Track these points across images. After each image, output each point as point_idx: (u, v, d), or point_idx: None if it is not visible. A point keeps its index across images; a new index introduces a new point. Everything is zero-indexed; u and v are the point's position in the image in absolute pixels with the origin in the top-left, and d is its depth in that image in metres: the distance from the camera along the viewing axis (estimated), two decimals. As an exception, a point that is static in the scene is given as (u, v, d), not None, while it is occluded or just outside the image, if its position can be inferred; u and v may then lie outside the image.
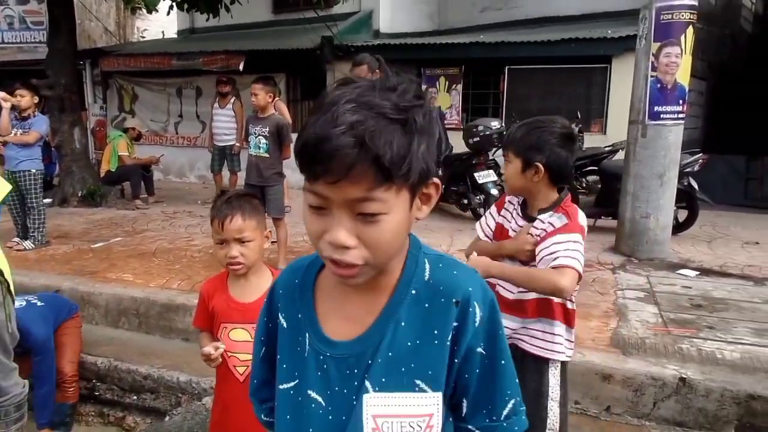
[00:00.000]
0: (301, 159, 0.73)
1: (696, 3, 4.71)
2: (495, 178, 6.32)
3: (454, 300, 0.82)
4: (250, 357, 1.77)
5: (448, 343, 0.82)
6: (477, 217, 5.53)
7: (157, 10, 7.47)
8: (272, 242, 5.15)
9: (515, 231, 1.87)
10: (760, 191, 9.31)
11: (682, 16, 4.64)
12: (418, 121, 0.73)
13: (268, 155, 4.35)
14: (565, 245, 1.67)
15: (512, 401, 0.87)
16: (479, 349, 0.83)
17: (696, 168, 5.54)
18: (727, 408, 2.73)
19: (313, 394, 0.86)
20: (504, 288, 1.86)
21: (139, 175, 7.87)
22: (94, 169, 8.39)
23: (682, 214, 5.71)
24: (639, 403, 2.87)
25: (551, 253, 1.68)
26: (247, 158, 4.52)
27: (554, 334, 1.80)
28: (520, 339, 1.84)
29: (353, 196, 0.71)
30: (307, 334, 0.88)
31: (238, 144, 7.68)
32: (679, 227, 5.63)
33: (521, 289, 1.81)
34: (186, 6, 8.08)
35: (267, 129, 4.33)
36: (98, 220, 6.80)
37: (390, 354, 0.82)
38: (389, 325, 0.83)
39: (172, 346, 3.77)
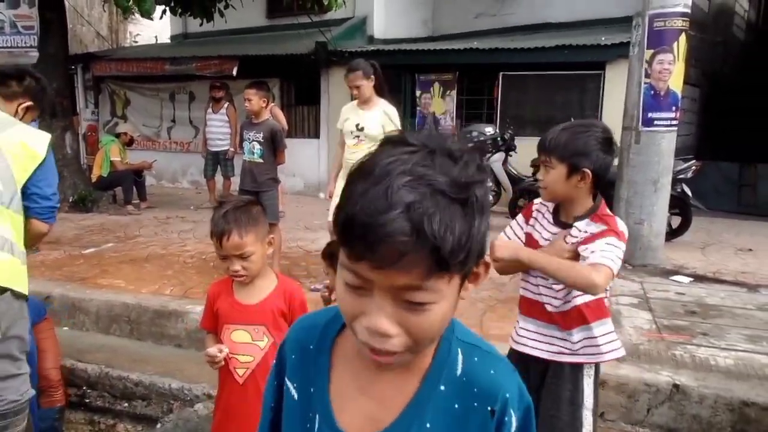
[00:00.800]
0: (344, 235, 0.64)
1: (689, 11, 4.75)
2: (489, 184, 6.32)
3: (489, 408, 0.73)
4: (250, 359, 1.81)
5: None
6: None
7: (151, 19, 7.45)
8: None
9: (547, 239, 1.82)
10: (753, 198, 9.37)
11: (675, 23, 4.67)
12: (480, 199, 0.64)
13: (262, 161, 4.34)
14: (602, 246, 1.65)
15: None
16: None
17: (689, 174, 5.58)
18: (721, 415, 2.73)
19: None
20: (549, 302, 1.82)
21: (131, 181, 7.82)
22: (85, 174, 8.34)
23: (676, 221, 5.74)
24: (633, 409, 2.86)
25: (591, 252, 1.65)
26: (242, 164, 4.50)
27: (595, 337, 1.78)
28: (560, 352, 1.80)
29: (401, 284, 0.63)
30: (317, 416, 0.77)
31: (232, 149, 7.65)
32: (672, 234, 5.66)
33: (564, 301, 1.78)
34: (179, 10, 8.08)
35: (261, 134, 4.32)
36: (89, 226, 6.75)
37: None
38: (412, 426, 0.73)
39: (164, 353, 3.73)
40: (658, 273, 4.76)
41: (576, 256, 1.73)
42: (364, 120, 3.94)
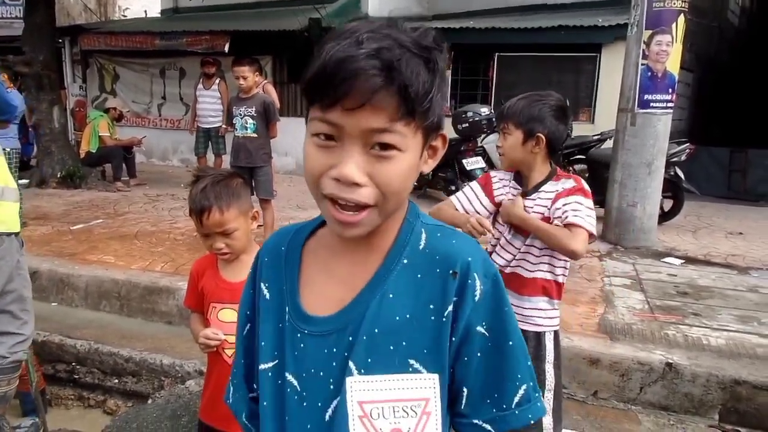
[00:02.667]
0: (316, 82, 0.66)
1: (688, -9, 4.70)
2: (483, 164, 6.29)
3: (451, 271, 0.73)
4: None
5: (444, 319, 0.72)
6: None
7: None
8: (258, 225, 5.08)
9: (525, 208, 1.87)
10: (743, 184, 9.43)
11: (674, 4, 4.63)
12: (440, 64, 0.68)
13: (256, 135, 4.27)
14: (573, 205, 1.74)
15: (524, 386, 0.76)
16: (480, 329, 0.73)
17: (683, 158, 5.57)
18: (713, 393, 2.76)
19: (290, 377, 0.76)
20: (500, 257, 1.89)
21: (120, 157, 7.69)
22: (73, 149, 8.18)
23: (668, 204, 5.75)
24: (626, 387, 2.88)
25: (562, 213, 1.74)
26: (233, 140, 4.43)
27: (552, 309, 1.87)
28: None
29: (373, 126, 0.65)
30: (287, 308, 0.78)
31: (224, 126, 7.54)
32: (664, 216, 5.67)
33: (516, 262, 1.85)
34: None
35: (253, 108, 4.24)
36: (78, 202, 6.64)
37: (376, 330, 0.72)
38: (374, 298, 0.73)
39: (155, 329, 3.70)
40: (650, 255, 4.78)
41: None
42: None
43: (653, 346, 3.01)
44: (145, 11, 14.44)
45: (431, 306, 0.73)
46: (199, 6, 9.47)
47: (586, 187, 1.81)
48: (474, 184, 1.97)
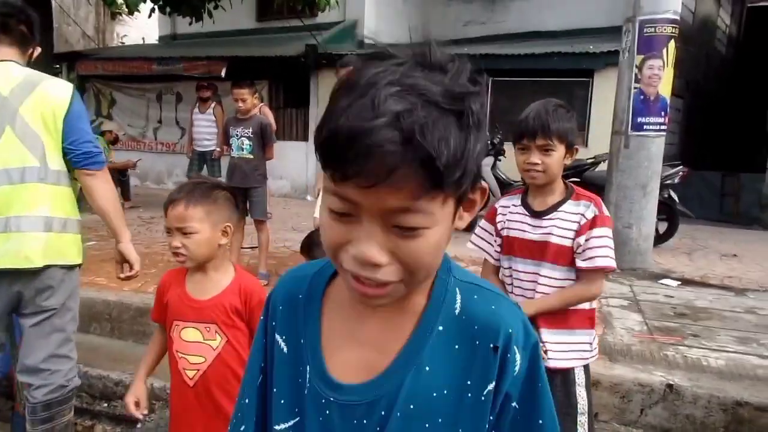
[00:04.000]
0: (326, 153, 0.57)
1: (678, 18, 4.81)
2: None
3: (492, 345, 0.67)
4: (201, 360, 1.62)
5: (483, 398, 0.67)
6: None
7: (139, 11, 7.35)
8: (253, 247, 5.05)
9: (526, 231, 1.79)
10: (735, 207, 9.51)
11: (665, 29, 4.72)
12: (475, 112, 0.58)
13: (252, 156, 4.26)
14: (600, 241, 1.69)
15: None
16: (513, 404, 0.68)
17: (677, 180, 5.62)
18: (715, 415, 2.71)
19: None
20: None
21: (115, 180, 7.67)
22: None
23: (663, 226, 5.77)
24: (626, 409, 2.83)
25: (589, 248, 1.70)
26: (229, 161, 4.42)
27: (583, 343, 1.80)
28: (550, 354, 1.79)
29: (392, 206, 0.56)
30: (308, 368, 0.71)
31: (218, 149, 7.57)
32: (659, 239, 5.69)
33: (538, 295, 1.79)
34: (168, 9, 7.98)
35: (250, 130, 4.25)
36: (71, 225, 6.59)
37: (411, 406, 0.66)
38: (410, 371, 0.67)
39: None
40: (646, 276, 4.77)
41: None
42: None
43: (653, 368, 2.97)
44: (143, 38, 14.60)
45: (469, 382, 0.67)
46: (196, 33, 9.61)
47: (606, 212, 1.74)
48: (483, 222, 1.92)
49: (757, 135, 14.72)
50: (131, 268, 2.27)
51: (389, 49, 0.61)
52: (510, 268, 1.84)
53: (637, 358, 3.07)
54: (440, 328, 0.68)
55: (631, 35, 4.84)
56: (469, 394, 0.67)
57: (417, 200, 0.57)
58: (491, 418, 0.68)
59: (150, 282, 4.29)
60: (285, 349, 0.74)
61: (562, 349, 1.75)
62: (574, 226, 1.71)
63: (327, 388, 0.69)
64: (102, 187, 2.11)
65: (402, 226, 0.58)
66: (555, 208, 1.75)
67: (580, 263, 1.71)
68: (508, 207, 1.85)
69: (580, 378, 1.78)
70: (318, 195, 4.12)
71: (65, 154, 2.02)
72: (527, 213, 1.80)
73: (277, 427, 0.73)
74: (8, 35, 2.02)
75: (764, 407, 2.65)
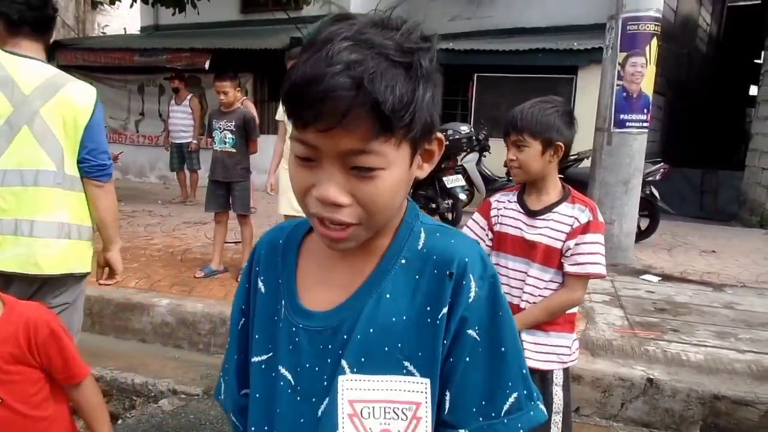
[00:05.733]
0: (289, 102, 0.64)
1: (660, 15, 4.85)
2: (463, 182, 6.33)
3: (447, 272, 0.71)
4: None
5: (438, 321, 0.70)
6: (444, 222, 5.50)
7: (120, 0, 7.21)
8: (236, 242, 5.00)
9: (519, 228, 1.78)
10: (714, 204, 9.68)
11: (648, 27, 4.76)
12: (424, 65, 0.64)
13: (234, 150, 4.21)
14: (591, 247, 1.69)
15: (515, 394, 0.72)
16: (471, 332, 0.70)
17: (658, 177, 5.69)
18: (693, 408, 2.76)
19: (283, 371, 0.75)
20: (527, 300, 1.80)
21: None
22: (47, 165, 8.00)
23: (644, 223, 5.85)
24: (607, 404, 2.86)
25: (579, 254, 1.69)
26: (212, 154, 4.37)
27: (562, 346, 1.79)
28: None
29: (347, 147, 0.62)
30: (282, 302, 0.78)
31: (194, 141, 7.50)
32: (640, 235, 5.76)
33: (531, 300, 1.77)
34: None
35: (233, 123, 4.19)
36: (50, 218, 6.46)
37: (371, 330, 0.71)
38: (371, 297, 0.72)
39: (127, 347, 3.58)
40: (628, 272, 4.83)
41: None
42: None
43: (634, 362, 3.01)
44: (125, 29, 14.34)
45: (428, 308, 0.71)
46: (180, 24, 9.45)
47: (600, 218, 1.72)
48: (476, 215, 1.90)
49: (736, 133, 15.00)
50: (112, 276, 2.28)
51: (350, 13, 0.67)
52: (498, 264, 1.83)
53: (618, 353, 3.11)
54: (402, 261, 0.73)
55: (614, 32, 4.88)
56: (428, 320, 0.71)
57: (369, 141, 0.62)
58: (445, 342, 0.71)
59: (131, 277, 4.23)
60: (263, 289, 0.81)
61: (539, 350, 1.75)
62: (566, 229, 1.71)
63: (297, 316, 0.75)
64: (106, 198, 2.09)
65: (358, 166, 0.63)
66: (550, 208, 1.74)
67: (568, 267, 1.70)
68: (503, 203, 1.84)
69: (558, 378, 1.78)
70: (273, 190, 4.12)
71: (79, 161, 1.99)
72: (522, 211, 1.79)
73: (253, 359, 0.79)
74: (36, 30, 1.94)
75: (741, 400, 2.70)
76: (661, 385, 2.81)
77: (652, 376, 2.84)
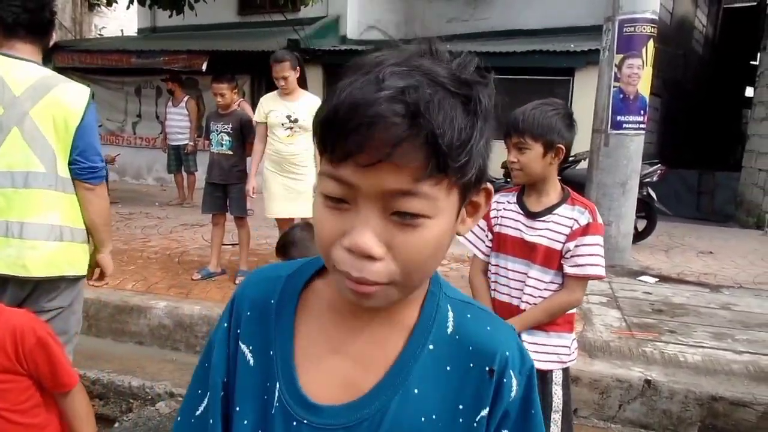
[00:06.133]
0: (327, 130, 0.54)
1: (657, 18, 4.87)
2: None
3: (487, 368, 0.63)
4: None
5: (476, 424, 0.62)
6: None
7: (117, 2, 7.20)
8: (233, 244, 4.99)
9: (519, 230, 1.78)
10: (711, 205, 9.71)
11: (644, 29, 4.78)
12: (484, 101, 0.56)
13: (231, 152, 4.21)
14: (591, 249, 1.70)
15: None
16: (505, 431, 0.65)
17: (655, 178, 5.70)
18: (691, 410, 2.76)
19: None
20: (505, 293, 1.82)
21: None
22: (44, 167, 7.98)
23: (641, 224, 5.85)
24: (605, 405, 2.87)
25: (579, 255, 1.70)
26: (209, 156, 4.36)
27: (562, 346, 1.81)
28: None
29: (392, 187, 0.52)
30: (278, 384, 0.63)
31: (191, 144, 7.49)
32: (638, 236, 5.77)
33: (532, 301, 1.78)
34: (148, 1, 7.84)
35: (230, 125, 4.20)
36: (47, 220, 6.44)
37: None
38: (397, 392, 0.61)
39: (124, 350, 3.57)
40: (625, 273, 4.83)
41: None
42: (296, 111, 3.90)
43: (631, 363, 3.01)
44: (122, 31, 14.32)
45: (460, 406, 0.63)
46: (177, 26, 9.45)
47: (600, 220, 1.74)
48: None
49: (733, 134, 15.05)
50: (102, 277, 2.29)
51: (394, 39, 0.60)
52: (498, 265, 1.84)
53: (616, 354, 3.11)
54: (431, 347, 0.63)
55: (610, 34, 4.89)
56: (461, 420, 0.62)
57: (419, 182, 0.53)
58: None
59: (128, 279, 4.22)
60: (251, 361, 0.66)
61: (539, 350, 1.76)
62: (566, 231, 1.72)
63: (300, 408, 0.62)
64: (98, 201, 2.06)
65: (402, 211, 0.54)
66: (550, 210, 1.75)
67: (568, 269, 1.72)
68: (503, 204, 1.84)
69: (557, 378, 1.80)
70: (254, 193, 4.07)
71: (70, 163, 1.97)
72: (522, 212, 1.79)
73: None
74: (31, 33, 1.92)
75: (739, 401, 2.71)
76: (659, 386, 2.81)
77: (649, 378, 2.84)
